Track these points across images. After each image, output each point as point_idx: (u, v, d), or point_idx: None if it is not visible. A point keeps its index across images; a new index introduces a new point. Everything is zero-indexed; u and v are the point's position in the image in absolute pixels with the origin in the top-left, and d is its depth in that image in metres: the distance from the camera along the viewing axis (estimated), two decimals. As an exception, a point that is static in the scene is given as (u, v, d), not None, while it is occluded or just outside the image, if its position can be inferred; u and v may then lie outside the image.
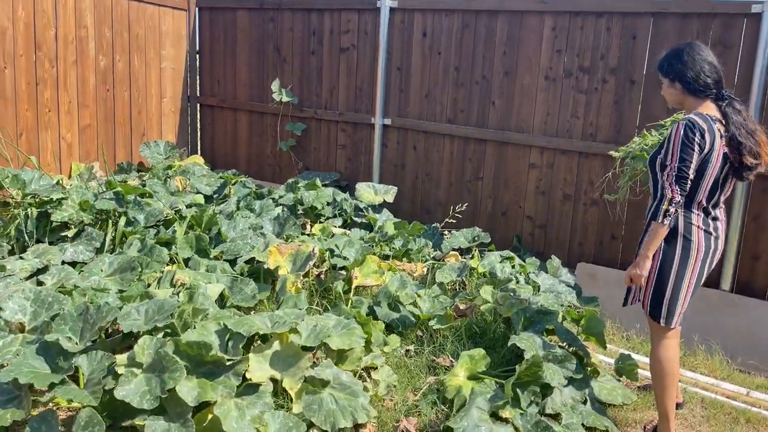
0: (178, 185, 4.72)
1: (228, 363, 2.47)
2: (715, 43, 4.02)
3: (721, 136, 2.58)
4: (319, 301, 3.41)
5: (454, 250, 4.42)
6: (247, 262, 3.60)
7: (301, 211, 4.85)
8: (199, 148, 6.63)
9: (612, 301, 3.98)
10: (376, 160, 5.51)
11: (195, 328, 2.62)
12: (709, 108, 2.64)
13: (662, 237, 2.59)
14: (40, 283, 3.29)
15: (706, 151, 2.53)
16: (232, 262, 3.57)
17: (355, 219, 4.97)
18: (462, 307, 3.20)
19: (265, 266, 3.31)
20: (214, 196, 4.98)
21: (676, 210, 2.54)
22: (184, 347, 2.45)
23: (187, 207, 4.17)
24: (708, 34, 4.05)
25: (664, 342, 2.69)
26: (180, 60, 6.23)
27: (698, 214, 2.64)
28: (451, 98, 5.12)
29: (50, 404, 2.58)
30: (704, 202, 2.65)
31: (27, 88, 4.84)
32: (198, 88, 6.52)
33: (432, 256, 4.44)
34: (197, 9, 6.25)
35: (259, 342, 2.74)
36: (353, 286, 3.37)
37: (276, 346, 2.61)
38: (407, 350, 3.14)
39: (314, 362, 2.72)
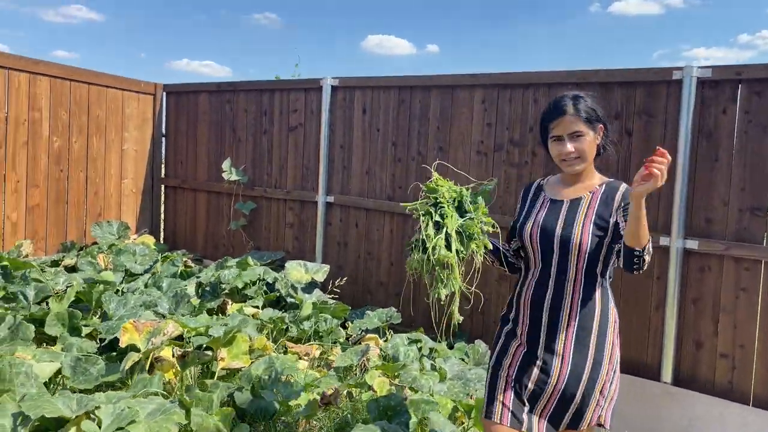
0: (101, 263, 4.64)
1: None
2: (639, 112, 3.77)
3: None
4: (179, 384, 3.14)
5: (365, 331, 4.10)
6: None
7: (227, 291, 4.66)
8: (162, 229, 6.62)
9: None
10: (320, 238, 5.34)
11: (-5, 409, 2.39)
12: None
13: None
14: None
15: None
16: (102, 341, 3.36)
17: (288, 300, 4.74)
18: (328, 393, 2.87)
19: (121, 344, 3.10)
20: (145, 274, 4.86)
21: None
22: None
23: (89, 284, 4.04)
24: (632, 102, 3.81)
25: None
26: (144, 142, 6.34)
27: None
28: (390, 174, 4.96)
29: None
30: None
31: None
32: (163, 170, 6.59)
33: (347, 338, 4.14)
34: (164, 93, 6.42)
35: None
36: (219, 368, 3.10)
37: (72, 432, 2.35)
38: (257, 442, 2.81)
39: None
